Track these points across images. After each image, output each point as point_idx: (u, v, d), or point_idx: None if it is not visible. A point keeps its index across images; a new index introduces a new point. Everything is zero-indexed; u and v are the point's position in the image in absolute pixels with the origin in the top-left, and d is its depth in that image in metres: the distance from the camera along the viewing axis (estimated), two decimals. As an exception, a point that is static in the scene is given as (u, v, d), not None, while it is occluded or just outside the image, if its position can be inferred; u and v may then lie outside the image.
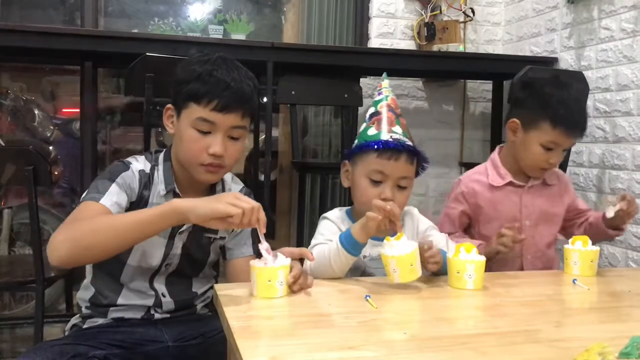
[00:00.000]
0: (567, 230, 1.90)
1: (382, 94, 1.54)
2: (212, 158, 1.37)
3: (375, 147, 1.45)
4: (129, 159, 1.46)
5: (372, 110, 1.53)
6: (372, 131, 1.48)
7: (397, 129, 1.48)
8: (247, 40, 3.07)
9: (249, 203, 1.19)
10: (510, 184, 1.82)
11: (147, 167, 1.45)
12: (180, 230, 1.44)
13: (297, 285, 1.26)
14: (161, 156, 1.48)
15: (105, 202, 1.33)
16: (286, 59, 2.68)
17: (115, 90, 3.80)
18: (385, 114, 1.49)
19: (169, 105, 1.44)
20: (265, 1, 3.77)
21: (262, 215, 1.21)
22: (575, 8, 2.89)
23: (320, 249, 1.41)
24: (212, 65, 1.37)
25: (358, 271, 1.49)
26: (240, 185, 1.59)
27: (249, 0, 3.62)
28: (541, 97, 1.76)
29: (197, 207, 1.19)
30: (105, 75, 3.66)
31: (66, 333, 1.49)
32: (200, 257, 1.52)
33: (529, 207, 1.80)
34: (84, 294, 1.50)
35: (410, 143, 1.48)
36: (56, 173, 3.37)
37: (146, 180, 1.43)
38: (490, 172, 1.86)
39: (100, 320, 1.45)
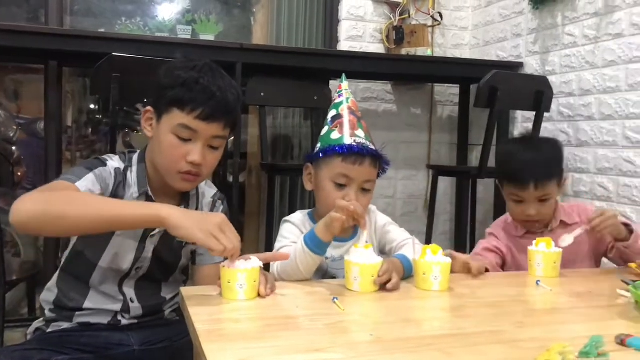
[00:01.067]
0: (607, 256, 1.85)
1: (342, 96, 1.55)
2: (190, 166, 1.35)
3: (340, 151, 1.46)
4: (105, 157, 1.43)
5: (333, 112, 1.53)
6: (335, 135, 1.49)
7: (360, 132, 1.49)
8: (216, 41, 3.05)
9: (232, 242, 1.17)
10: (529, 232, 1.82)
11: (121, 166, 1.43)
12: (152, 233, 1.43)
13: (268, 290, 1.26)
14: (135, 157, 1.46)
15: (80, 186, 1.30)
16: (255, 60, 2.68)
17: (81, 90, 3.73)
18: (347, 117, 1.50)
19: (149, 108, 1.42)
20: (234, 2, 3.75)
21: (238, 253, 1.20)
22: (541, 14, 2.95)
23: (287, 252, 1.42)
24: (198, 73, 1.35)
25: (320, 272, 1.50)
26: (214, 189, 1.58)
27: (218, 0, 3.60)
28: (498, 155, 1.93)
29: (182, 226, 1.16)
30: (71, 75, 3.60)
31: (28, 337, 1.46)
32: (172, 261, 1.51)
33: None
34: (48, 295, 1.47)
35: (373, 147, 1.49)
36: (19, 174, 3.30)
37: (121, 180, 1.41)
38: (510, 221, 1.88)
39: (65, 325, 1.42)
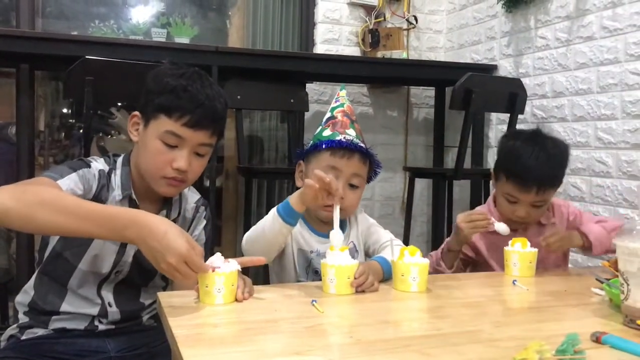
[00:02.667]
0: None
1: (338, 101, 1.60)
2: (175, 172, 1.36)
3: (329, 145, 1.50)
4: (89, 159, 1.43)
5: (328, 115, 1.59)
6: (326, 132, 1.54)
7: (351, 132, 1.54)
8: (191, 44, 3.03)
9: (190, 273, 1.16)
10: None
11: (106, 168, 1.43)
12: None
13: (245, 294, 1.26)
14: (120, 160, 1.46)
15: (62, 184, 1.29)
16: (231, 63, 2.67)
17: (54, 94, 3.68)
18: (340, 118, 1.55)
19: (136, 113, 1.42)
20: (209, 5, 3.73)
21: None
22: (514, 17, 3.00)
23: (257, 224, 1.44)
24: (187, 80, 1.36)
25: (304, 265, 1.53)
26: (197, 195, 1.58)
27: (193, 3, 3.58)
28: (503, 149, 1.82)
29: (144, 251, 1.16)
30: (44, 78, 3.54)
31: (2, 345, 1.43)
32: (152, 267, 1.47)
33: None
34: (24, 297, 1.44)
35: (363, 145, 1.53)
36: (-10, 179, 3.24)
37: (105, 182, 1.41)
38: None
39: (40, 331, 1.40)
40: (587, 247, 1.69)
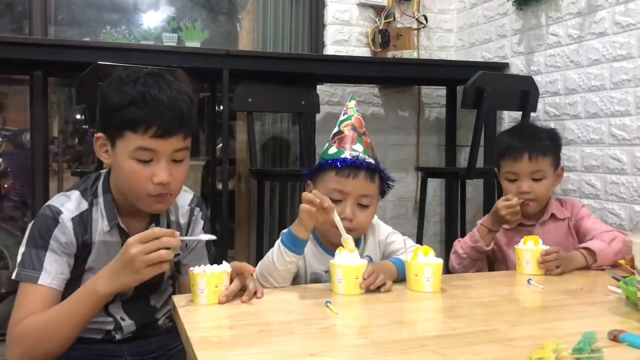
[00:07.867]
0: None
1: (347, 114, 1.54)
2: (159, 188, 1.28)
3: (333, 164, 1.45)
4: (59, 204, 1.33)
5: (335, 130, 1.53)
6: (332, 150, 1.48)
7: (358, 147, 1.47)
8: (202, 48, 3.04)
9: (159, 255, 1.17)
10: (521, 224, 1.88)
11: (82, 207, 1.35)
12: None
13: (246, 296, 1.27)
14: (100, 187, 1.38)
15: (45, 281, 1.26)
16: (242, 66, 2.68)
17: (67, 100, 3.71)
18: (347, 133, 1.49)
19: (99, 134, 1.32)
20: (220, 8, 3.74)
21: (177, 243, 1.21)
22: (524, 15, 2.98)
23: (265, 257, 1.42)
24: (143, 86, 1.26)
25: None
26: (190, 194, 1.51)
27: (204, 7, 3.59)
28: (497, 142, 2.06)
29: (119, 289, 1.22)
30: (57, 85, 3.58)
31: None
32: (156, 278, 1.42)
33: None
34: None
35: (371, 160, 1.47)
36: (6, 186, 3.27)
37: (83, 228, 1.33)
38: None
39: None
40: (589, 264, 1.67)
